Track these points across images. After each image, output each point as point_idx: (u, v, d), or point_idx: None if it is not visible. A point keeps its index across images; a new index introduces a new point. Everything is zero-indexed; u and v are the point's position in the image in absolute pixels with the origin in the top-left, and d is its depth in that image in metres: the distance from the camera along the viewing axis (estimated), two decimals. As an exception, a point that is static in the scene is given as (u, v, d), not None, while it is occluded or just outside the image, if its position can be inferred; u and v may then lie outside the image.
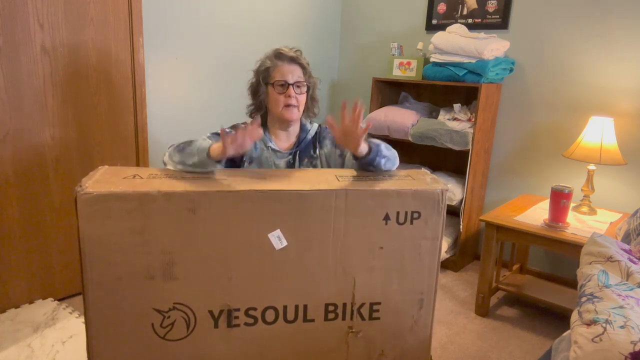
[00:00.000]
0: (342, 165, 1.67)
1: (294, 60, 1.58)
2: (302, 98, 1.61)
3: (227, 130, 1.41)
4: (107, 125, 2.47)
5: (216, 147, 1.34)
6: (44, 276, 2.39)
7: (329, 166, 1.69)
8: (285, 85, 1.56)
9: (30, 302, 2.35)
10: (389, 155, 1.47)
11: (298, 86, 1.58)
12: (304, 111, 1.66)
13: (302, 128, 1.69)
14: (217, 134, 1.57)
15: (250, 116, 1.70)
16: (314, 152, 1.67)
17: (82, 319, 1.97)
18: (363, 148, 1.39)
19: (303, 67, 1.61)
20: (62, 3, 2.21)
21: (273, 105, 1.60)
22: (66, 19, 2.23)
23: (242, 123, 1.66)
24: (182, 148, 1.40)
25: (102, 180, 1.28)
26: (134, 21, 2.45)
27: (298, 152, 1.65)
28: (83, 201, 1.20)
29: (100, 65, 2.39)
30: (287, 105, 1.57)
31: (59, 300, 2.43)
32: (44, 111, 2.24)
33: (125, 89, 2.51)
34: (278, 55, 1.58)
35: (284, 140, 1.67)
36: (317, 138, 1.69)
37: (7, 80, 2.11)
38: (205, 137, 1.55)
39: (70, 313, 2.27)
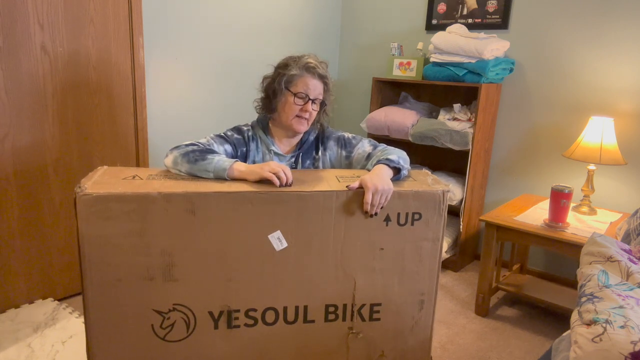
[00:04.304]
0: (349, 167, 1.66)
1: (321, 77, 1.59)
2: (315, 113, 1.62)
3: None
4: (107, 125, 2.47)
5: (239, 171, 1.37)
6: (44, 276, 2.39)
7: (333, 167, 1.67)
8: (306, 98, 1.56)
9: (30, 302, 2.35)
10: (403, 162, 1.51)
11: (315, 102, 1.59)
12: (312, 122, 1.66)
13: None
14: (220, 137, 1.57)
15: (259, 111, 1.68)
16: (316, 153, 1.66)
17: (82, 319, 1.97)
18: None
19: (326, 85, 1.61)
20: (62, 3, 2.20)
21: (285, 111, 1.58)
22: (66, 19, 2.23)
23: (244, 125, 1.65)
24: (194, 160, 1.38)
25: (101, 181, 1.28)
26: (134, 21, 2.45)
27: (300, 154, 1.65)
28: (82, 202, 1.20)
29: (100, 65, 2.39)
30: (299, 117, 1.57)
31: (59, 300, 2.42)
32: (44, 111, 2.24)
33: (125, 89, 2.51)
34: (308, 67, 1.56)
35: (286, 144, 1.66)
36: (320, 139, 1.68)
37: (7, 80, 2.11)
38: (209, 139, 1.53)
39: (70, 313, 2.26)
